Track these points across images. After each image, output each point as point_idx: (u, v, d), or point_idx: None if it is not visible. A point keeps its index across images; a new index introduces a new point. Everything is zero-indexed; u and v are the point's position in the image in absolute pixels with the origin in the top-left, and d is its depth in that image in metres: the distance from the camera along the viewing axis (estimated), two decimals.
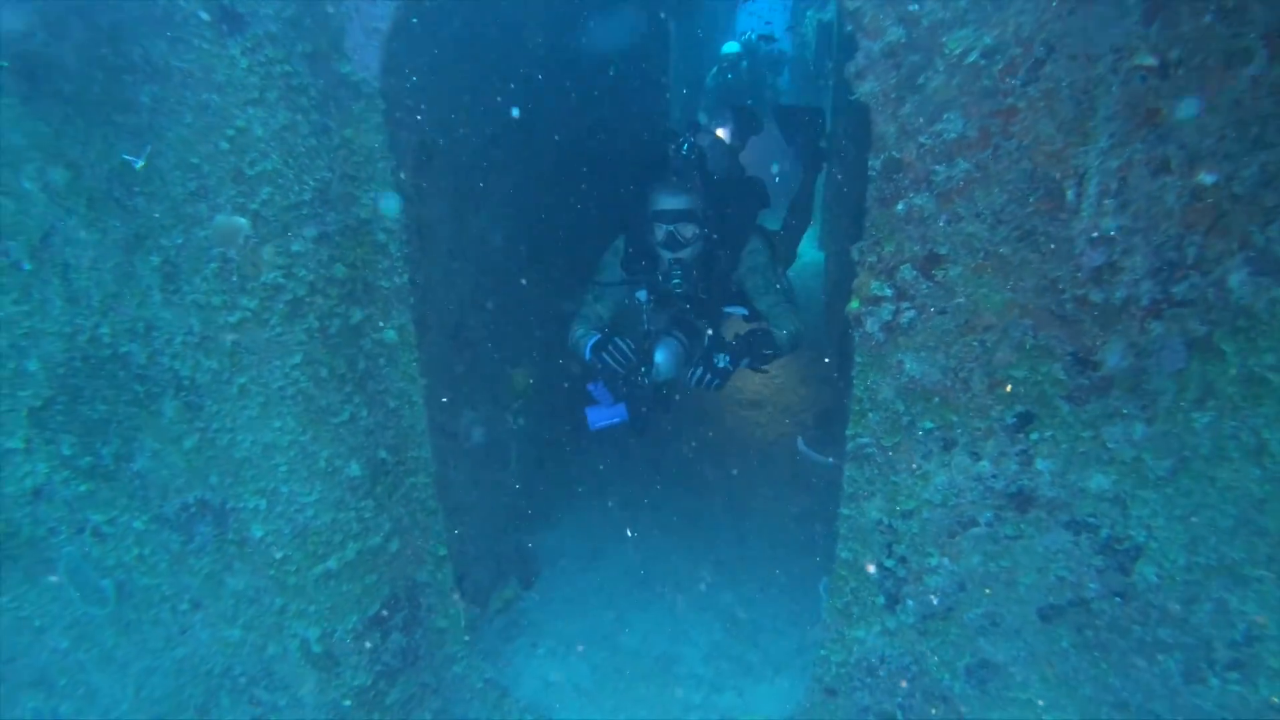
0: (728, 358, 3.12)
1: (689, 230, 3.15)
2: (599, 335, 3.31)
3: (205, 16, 1.77)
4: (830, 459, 3.44)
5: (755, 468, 4.63)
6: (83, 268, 2.19)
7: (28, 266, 2.21)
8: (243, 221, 1.96)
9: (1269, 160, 1.56)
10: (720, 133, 3.90)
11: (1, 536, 2.78)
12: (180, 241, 2.06)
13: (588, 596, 3.76)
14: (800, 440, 3.68)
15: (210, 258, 2.06)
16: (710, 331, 3.41)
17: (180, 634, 2.87)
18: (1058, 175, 1.78)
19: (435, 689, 3.09)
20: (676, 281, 3.17)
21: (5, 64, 1.89)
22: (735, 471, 4.57)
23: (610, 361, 3.21)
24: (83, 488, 2.62)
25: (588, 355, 3.32)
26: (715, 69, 9.80)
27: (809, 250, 7.28)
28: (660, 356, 3.25)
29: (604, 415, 3.31)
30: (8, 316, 2.31)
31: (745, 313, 3.42)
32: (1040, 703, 2.42)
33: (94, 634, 2.95)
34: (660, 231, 3.17)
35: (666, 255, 3.26)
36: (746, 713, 3.03)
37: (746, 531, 4.11)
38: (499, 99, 3.32)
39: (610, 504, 4.42)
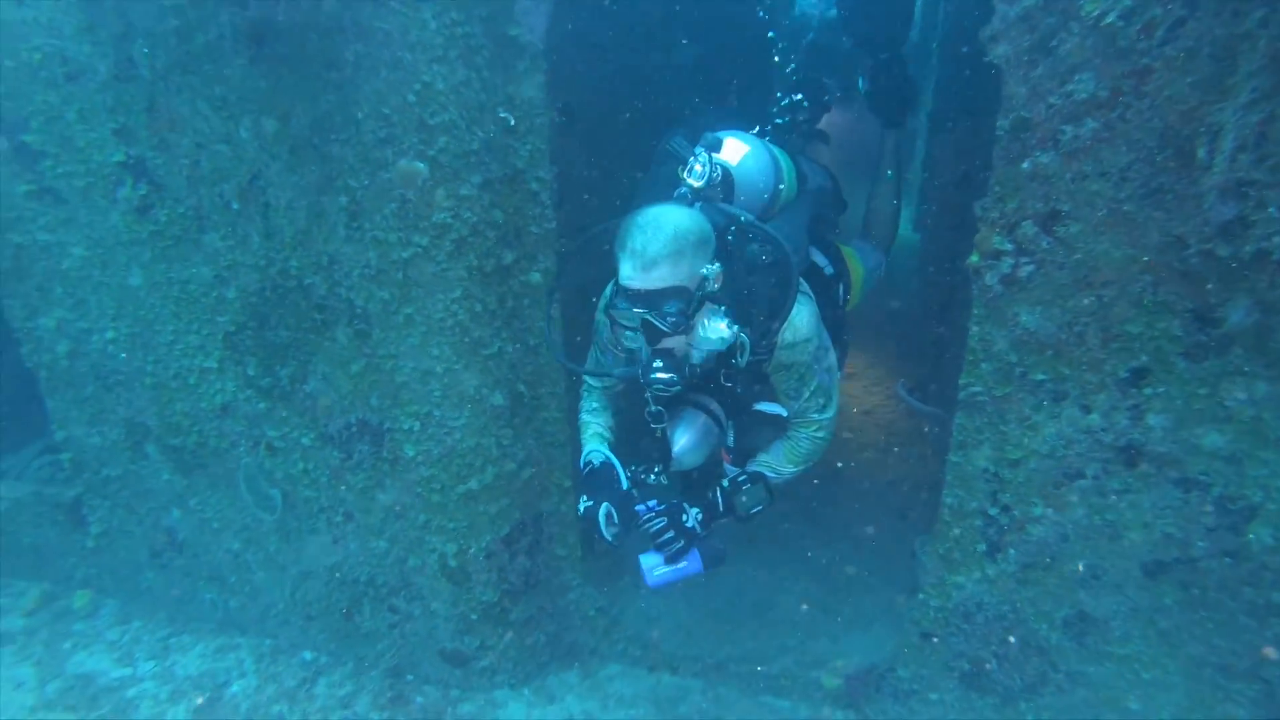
0: (699, 515, 2.34)
1: (672, 316, 1.94)
2: (594, 454, 2.45)
3: None
4: (931, 407, 3.41)
5: (850, 436, 4.73)
6: (280, 207, 2.53)
7: (235, 206, 2.57)
8: (421, 166, 2.25)
9: None
10: (734, 150, 2.35)
11: (194, 446, 3.22)
12: (366, 183, 2.37)
13: None
14: (900, 385, 3.72)
15: (391, 198, 2.36)
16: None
17: (333, 543, 3.25)
18: (1189, 132, 1.85)
19: (551, 613, 3.37)
20: (658, 377, 2.04)
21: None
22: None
23: (604, 534, 2.28)
24: (261, 405, 3.00)
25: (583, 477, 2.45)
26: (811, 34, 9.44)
27: (904, 230, 7.21)
28: (681, 441, 2.39)
29: (666, 567, 2.35)
30: (215, 250, 2.70)
31: (786, 413, 2.40)
32: (1141, 659, 2.49)
33: (261, 539, 3.37)
34: (623, 314, 2.01)
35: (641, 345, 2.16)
36: (839, 656, 3.17)
37: (839, 494, 4.22)
38: (632, 61, 3.50)
39: None
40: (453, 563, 3.05)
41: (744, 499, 2.39)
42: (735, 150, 2.35)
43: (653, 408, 2.38)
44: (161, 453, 3.32)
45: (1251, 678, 2.34)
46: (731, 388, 2.37)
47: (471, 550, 3.03)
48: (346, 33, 2.18)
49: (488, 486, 2.88)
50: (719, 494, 2.41)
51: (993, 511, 2.48)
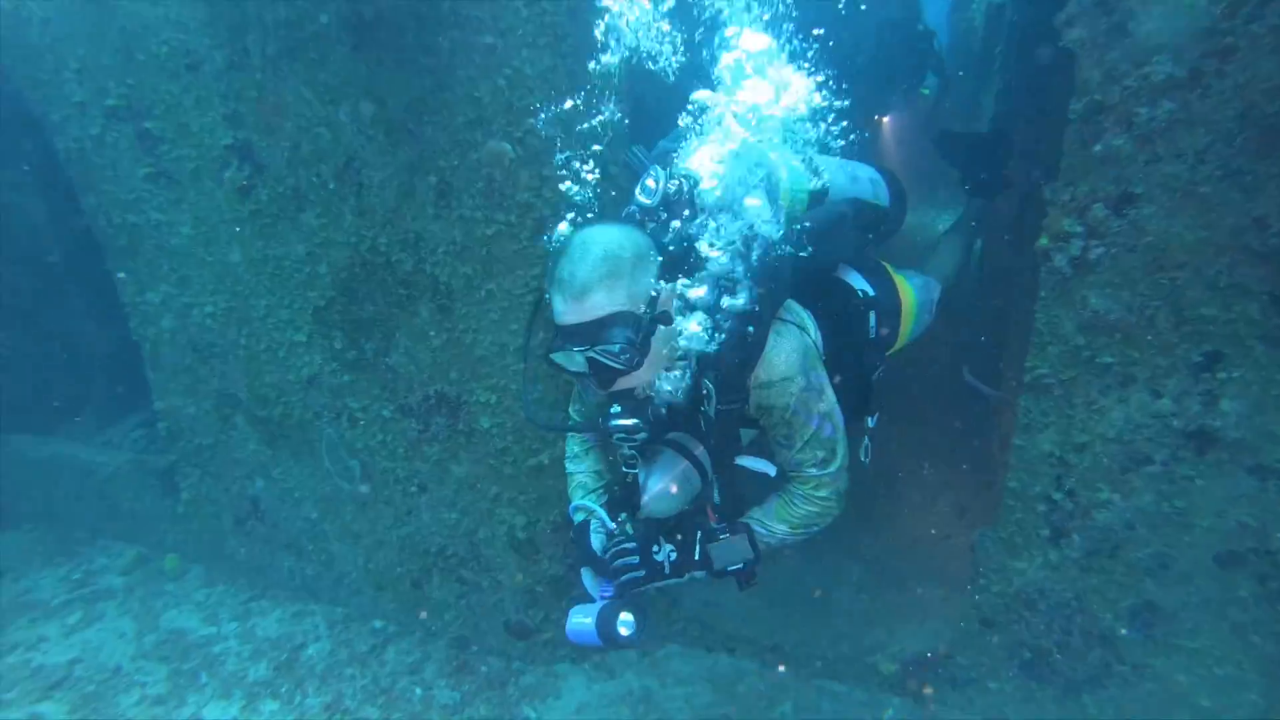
0: (671, 553, 2.05)
1: (619, 346, 1.68)
2: (575, 510, 2.28)
3: None
4: (995, 390, 3.35)
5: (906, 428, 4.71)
6: (373, 187, 2.71)
7: (332, 186, 2.76)
8: (508, 147, 2.39)
9: None
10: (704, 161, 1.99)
11: (280, 417, 3.42)
12: (456, 164, 2.52)
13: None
14: (966, 370, 3.67)
15: (479, 178, 2.50)
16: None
17: (407, 514, 3.40)
18: (1274, 111, 1.86)
19: None
20: (619, 424, 1.85)
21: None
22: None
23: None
24: (346, 378, 3.18)
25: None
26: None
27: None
28: (654, 486, 2.04)
29: (587, 621, 2.00)
30: (310, 228, 2.89)
31: (772, 472, 2.11)
32: (1212, 654, 2.45)
33: (338, 508, 3.55)
34: (566, 358, 1.79)
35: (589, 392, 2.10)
36: (895, 644, 3.18)
37: (897, 486, 4.21)
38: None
39: None
40: (521, 535, 3.17)
41: (719, 551, 2.03)
42: (706, 159, 1.96)
43: (625, 451, 2.00)
44: (249, 423, 3.54)
45: None
46: (709, 438, 2.01)
47: (540, 524, 3.15)
48: (443, 21, 2.34)
49: (557, 460, 2.99)
50: (696, 540, 2.05)
51: (1057, 497, 2.48)
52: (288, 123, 2.73)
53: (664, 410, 1.89)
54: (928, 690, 3.00)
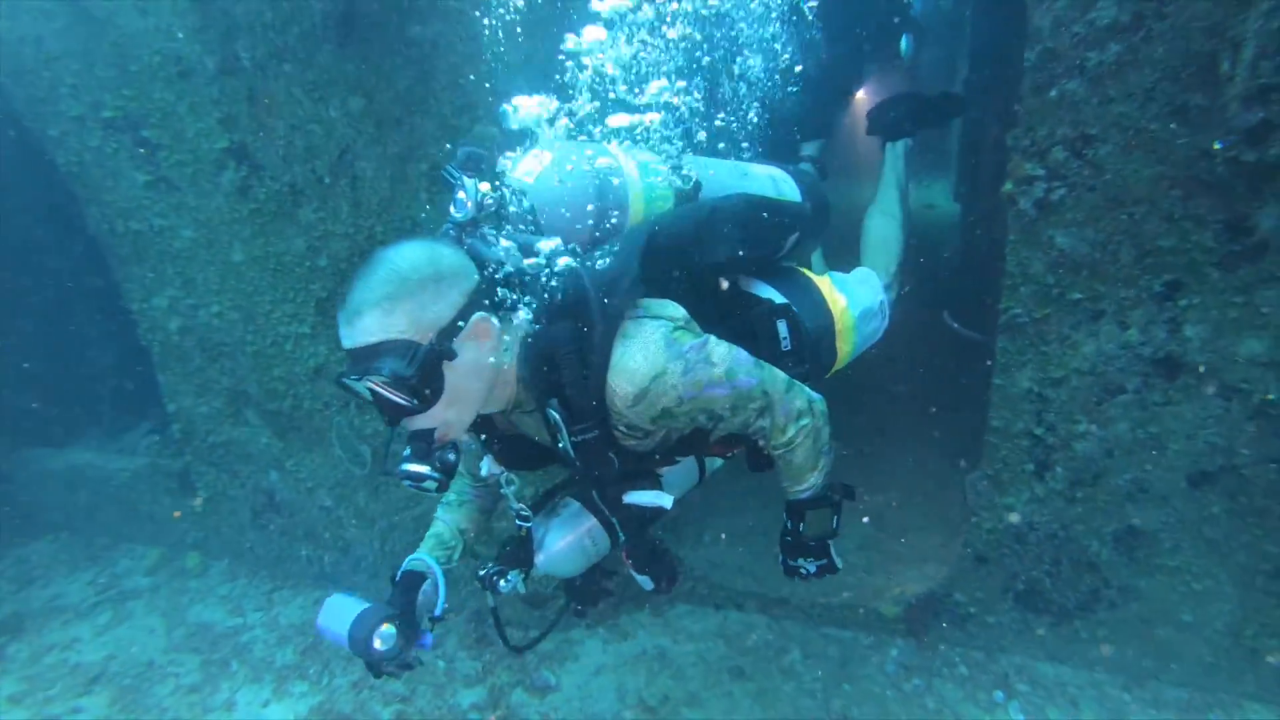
0: (812, 563, 2.03)
1: (384, 378, 1.45)
2: (412, 561, 1.98)
3: None
4: (976, 333, 3.40)
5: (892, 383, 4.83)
6: (367, 178, 2.82)
7: (327, 180, 2.87)
8: (495, 130, 2.49)
9: None
10: (532, 165, 1.82)
11: (290, 409, 3.54)
12: (446, 151, 2.63)
13: (745, 498, 4.15)
14: (946, 314, 3.76)
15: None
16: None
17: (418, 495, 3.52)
18: (1212, 48, 1.96)
19: None
20: (409, 470, 1.56)
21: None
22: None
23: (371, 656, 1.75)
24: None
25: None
26: None
27: (944, 200, 7.22)
28: (554, 545, 1.91)
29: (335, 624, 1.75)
30: (308, 222, 3.00)
31: (668, 505, 1.90)
32: (1191, 570, 2.58)
33: (351, 495, 3.68)
34: (352, 384, 1.53)
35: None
36: (896, 586, 3.31)
37: (889, 433, 4.32)
38: None
39: None
40: None
41: (806, 528, 1.97)
42: (535, 165, 1.78)
43: (513, 505, 1.89)
44: (260, 417, 3.66)
45: None
46: (583, 477, 1.80)
47: None
48: (424, 14, 2.44)
49: None
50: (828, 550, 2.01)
51: (1038, 431, 2.60)
52: (280, 122, 2.84)
53: (453, 458, 1.58)
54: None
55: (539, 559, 1.91)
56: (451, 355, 1.50)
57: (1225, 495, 2.44)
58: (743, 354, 1.73)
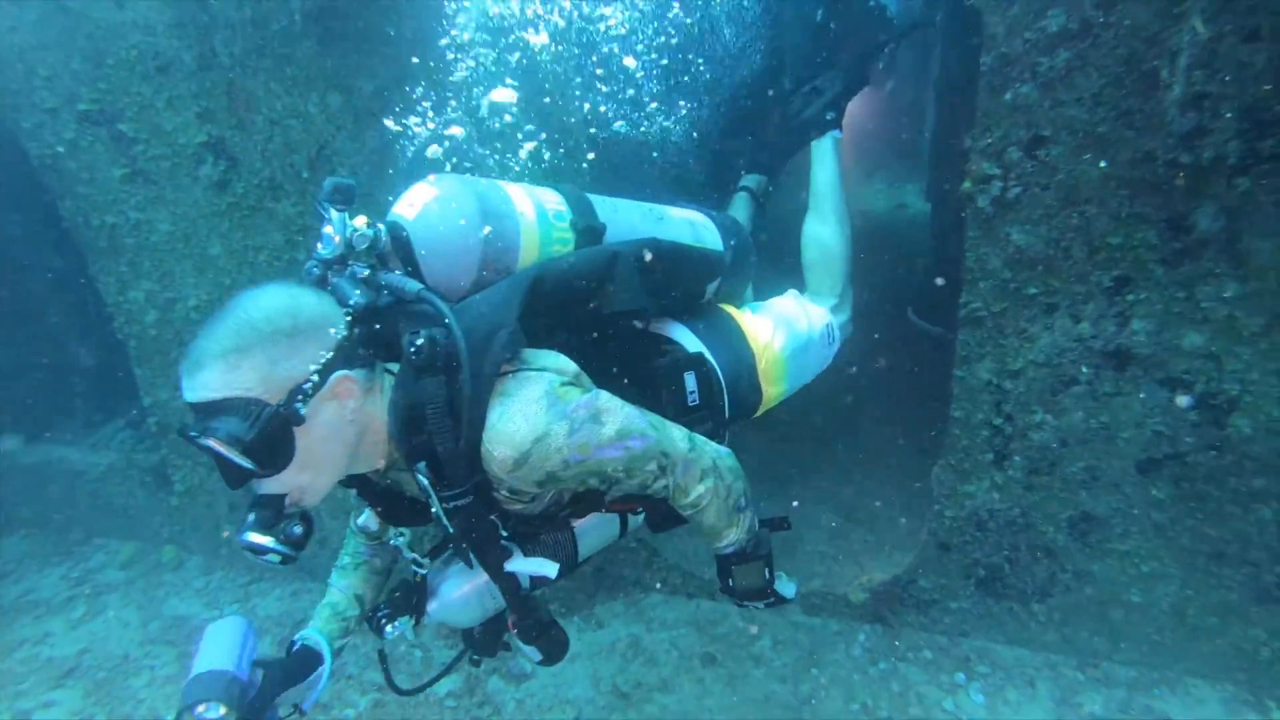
0: (760, 603, 1.91)
1: (221, 438, 1.30)
2: (304, 638, 1.84)
3: None
4: (938, 328, 3.49)
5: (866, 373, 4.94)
6: (346, 172, 2.85)
7: (305, 175, 2.90)
8: (468, 128, 2.56)
9: None
10: (416, 199, 1.66)
11: None
12: (424, 144, 2.68)
13: None
14: (910, 310, 3.86)
15: (442, 157, 2.67)
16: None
17: None
18: (1153, 56, 2.08)
19: None
20: (251, 541, 1.43)
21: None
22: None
23: None
24: None
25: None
26: None
27: (915, 201, 7.36)
28: (448, 594, 1.79)
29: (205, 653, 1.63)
30: (287, 217, 3.03)
31: (552, 575, 1.71)
32: (1139, 553, 2.70)
33: None
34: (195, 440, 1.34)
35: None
36: (864, 574, 3.41)
37: (860, 430, 4.42)
38: None
39: None
40: None
41: (742, 579, 1.83)
42: (417, 199, 1.63)
43: (406, 554, 1.80)
44: None
45: (1240, 563, 2.54)
46: (459, 544, 1.62)
47: None
48: (402, 10, 2.50)
49: None
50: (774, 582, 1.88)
51: (997, 421, 2.71)
52: (259, 117, 2.87)
53: (300, 531, 1.44)
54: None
55: (432, 606, 1.78)
56: (299, 420, 1.35)
57: (1170, 481, 2.55)
58: (635, 412, 1.58)
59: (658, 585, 3.63)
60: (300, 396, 1.35)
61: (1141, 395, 2.48)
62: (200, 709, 1.54)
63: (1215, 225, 2.19)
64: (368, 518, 1.91)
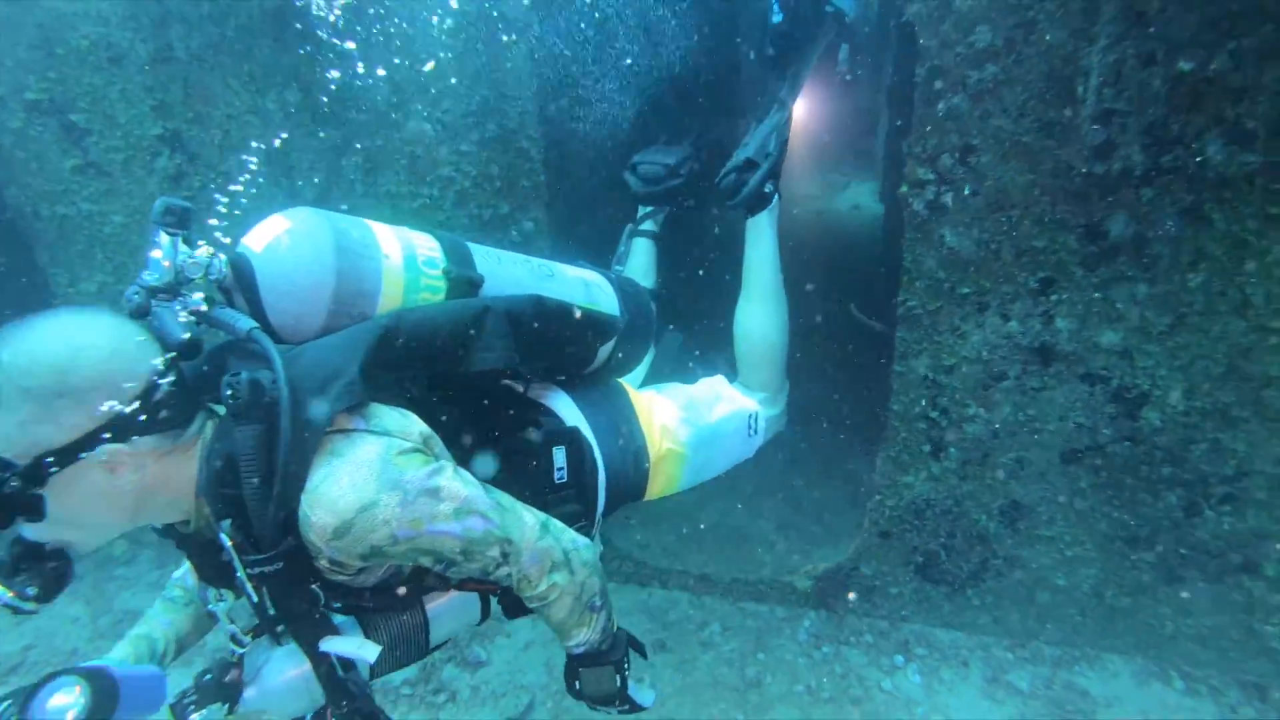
0: (613, 711, 1.78)
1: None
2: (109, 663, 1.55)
3: None
4: (878, 324, 3.63)
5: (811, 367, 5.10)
6: (303, 169, 2.89)
7: (262, 174, 2.93)
8: (428, 126, 2.61)
9: (1235, 49, 1.98)
10: (269, 231, 1.51)
11: None
12: (380, 144, 2.73)
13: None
14: (853, 306, 4.01)
15: (402, 156, 2.72)
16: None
17: None
18: (1069, 73, 2.23)
19: None
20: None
21: None
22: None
23: None
24: None
25: None
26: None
27: (870, 202, 7.56)
28: (268, 680, 1.54)
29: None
30: (245, 211, 3.04)
31: (370, 659, 1.49)
32: (1063, 539, 2.87)
33: None
34: None
35: None
36: (810, 562, 3.55)
37: (810, 422, 4.56)
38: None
39: None
40: None
41: (582, 686, 1.70)
42: (268, 231, 1.49)
43: (226, 626, 1.55)
44: None
45: (1149, 546, 2.73)
46: (264, 618, 1.46)
47: None
48: (360, 12, 2.54)
49: None
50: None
51: (933, 414, 2.85)
52: (216, 112, 2.88)
53: (36, 591, 1.30)
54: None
55: (249, 693, 1.52)
56: (41, 484, 1.20)
57: (1090, 471, 2.72)
58: (481, 490, 1.44)
59: (610, 574, 3.71)
60: (52, 465, 1.19)
61: (1064, 389, 2.64)
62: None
63: (1126, 231, 2.35)
64: (187, 569, 1.66)
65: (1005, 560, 3.00)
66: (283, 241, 1.47)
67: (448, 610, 1.68)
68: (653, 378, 2.58)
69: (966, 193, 2.47)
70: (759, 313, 2.49)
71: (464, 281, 1.68)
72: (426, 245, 1.67)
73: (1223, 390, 2.47)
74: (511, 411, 1.81)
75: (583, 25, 2.89)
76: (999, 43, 2.27)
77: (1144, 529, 2.73)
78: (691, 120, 3.13)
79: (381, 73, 2.61)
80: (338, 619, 1.52)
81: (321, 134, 2.81)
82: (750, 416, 2.30)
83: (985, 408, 2.77)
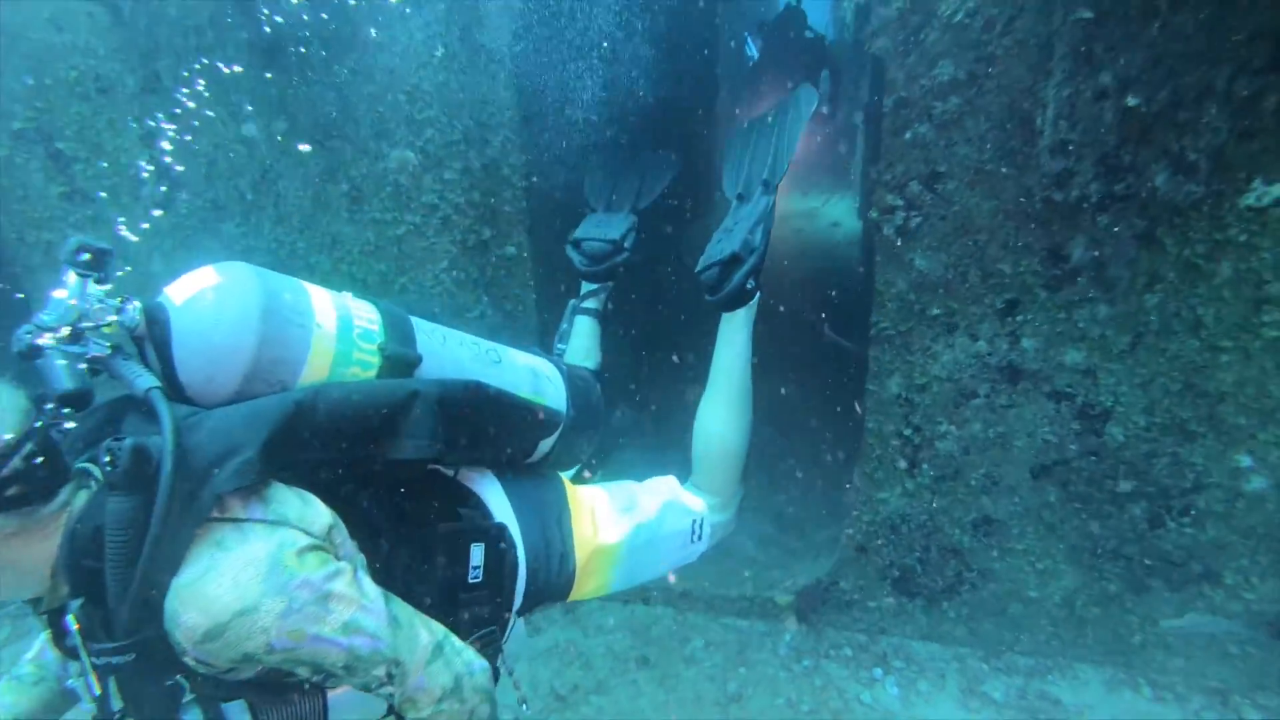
0: None
1: None
2: None
3: (394, 1, 2.50)
4: (851, 344, 3.71)
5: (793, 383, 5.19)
6: (289, 196, 2.94)
7: (250, 197, 2.98)
8: (411, 155, 2.68)
9: (1177, 86, 2.09)
10: (195, 283, 1.39)
11: None
12: (365, 172, 2.79)
13: None
14: (826, 326, 4.10)
15: (386, 184, 2.79)
16: None
17: None
18: (1028, 105, 2.33)
19: None
20: None
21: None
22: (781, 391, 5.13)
23: None
24: None
25: None
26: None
27: (849, 220, 7.69)
28: None
29: None
30: (230, 236, 3.10)
31: None
32: (1034, 552, 2.95)
33: None
34: None
35: None
36: (790, 578, 3.61)
37: (792, 440, 4.65)
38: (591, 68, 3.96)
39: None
40: None
41: None
42: (193, 284, 1.38)
43: (85, 704, 1.34)
44: None
45: (1116, 557, 2.81)
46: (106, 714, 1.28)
47: None
48: (346, 45, 2.62)
49: None
50: None
51: (907, 432, 2.93)
52: (203, 141, 2.94)
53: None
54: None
55: None
56: None
57: (1058, 485, 2.81)
58: (377, 601, 1.31)
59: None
60: None
61: (1031, 407, 2.73)
62: None
63: (1086, 255, 2.45)
64: (45, 641, 1.48)
65: (979, 573, 3.08)
66: (207, 297, 1.35)
67: (350, 700, 1.44)
68: (600, 464, 2.40)
69: (934, 218, 2.57)
70: (723, 414, 2.31)
71: (399, 360, 1.54)
72: (366, 316, 1.54)
73: (1180, 406, 2.56)
74: (435, 501, 1.63)
75: (564, 56, 2.97)
76: (961, 76, 2.37)
77: (1110, 541, 2.82)
78: (660, 156, 3.10)
79: (366, 103, 2.68)
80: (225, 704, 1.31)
81: (308, 162, 2.87)
82: (696, 522, 2.13)
83: (957, 425, 2.85)
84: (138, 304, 1.32)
